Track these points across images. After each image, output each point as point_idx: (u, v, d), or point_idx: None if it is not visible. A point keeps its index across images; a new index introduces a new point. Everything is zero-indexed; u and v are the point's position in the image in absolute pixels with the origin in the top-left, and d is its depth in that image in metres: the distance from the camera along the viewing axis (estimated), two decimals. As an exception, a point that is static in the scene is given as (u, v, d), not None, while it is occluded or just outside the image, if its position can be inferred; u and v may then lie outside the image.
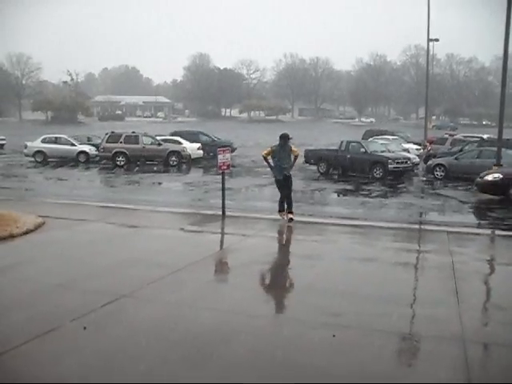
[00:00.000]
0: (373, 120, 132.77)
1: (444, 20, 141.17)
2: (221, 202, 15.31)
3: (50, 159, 35.69)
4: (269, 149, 14.95)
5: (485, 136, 43.57)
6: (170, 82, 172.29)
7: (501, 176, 20.24)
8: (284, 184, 14.73)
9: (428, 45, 50.22)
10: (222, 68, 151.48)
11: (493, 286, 9.59)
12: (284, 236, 13.31)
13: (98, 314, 7.15)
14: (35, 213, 13.94)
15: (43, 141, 36.71)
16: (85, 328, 6.57)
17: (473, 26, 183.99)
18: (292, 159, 14.95)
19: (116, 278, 8.85)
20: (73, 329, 6.62)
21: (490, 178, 20.51)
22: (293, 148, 14.94)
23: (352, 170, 28.42)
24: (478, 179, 20.87)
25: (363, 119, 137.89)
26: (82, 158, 35.39)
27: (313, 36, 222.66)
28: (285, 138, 14.75)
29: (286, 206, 14.73)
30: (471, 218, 16.96)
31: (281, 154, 14.62)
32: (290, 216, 14.44)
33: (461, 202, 20.44)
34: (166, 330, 6.69)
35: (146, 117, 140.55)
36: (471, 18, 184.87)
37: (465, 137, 44.29)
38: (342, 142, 29.90)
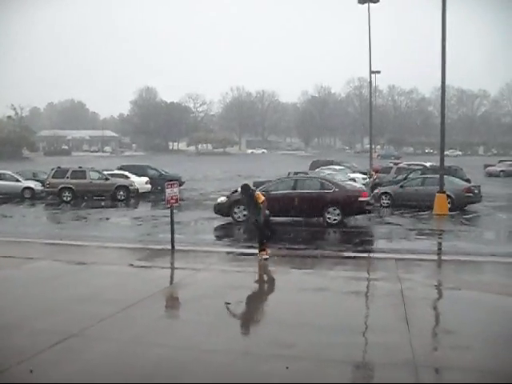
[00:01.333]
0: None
1: (385, 52, 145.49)
2: (170, 236, 15.19)
3: (-7, 196, 34.75)
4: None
5: (428, 164, 44.80)
6: (117, 116, 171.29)
7: (225, 199, 22.46)
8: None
9: (370, 77, 51.56)
10: (168, 102, 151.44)
11: (441, 311, 9.80)
12: (235, 269, 13.24)
13: (47, 354, 6.95)
14: (-22, 252, 13.54)
15: (-14, 177, 35.77)
16: (31, 371, 6.34)
17: (412, 59, 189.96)
18: (259, 208, 14.14)
19: (65, 316, 8.64)
20: (19, 372, 6.40)
21: (218, 200, 22.89)
22: (257, 195, 14.34)
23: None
24: (215, 203, 23.08)
25: (310, 150, 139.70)
26: (27, 194, 34.56)
27: (258, 69, 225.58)
28: (244, 190, 14.43)
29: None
30: (418, 245, 17.27)
31: (249, 205, 14.45)
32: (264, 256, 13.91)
33: (407, 229, 20.82)
34: (117, 368, 6.56)
35: (92, 151, 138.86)
36: (410, 50, 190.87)
37: (409, 165, 45.41)
38: (289, 174, 30.19)
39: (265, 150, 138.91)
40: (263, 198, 14.38)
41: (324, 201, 21.17)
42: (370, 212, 22.18)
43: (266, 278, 12.38)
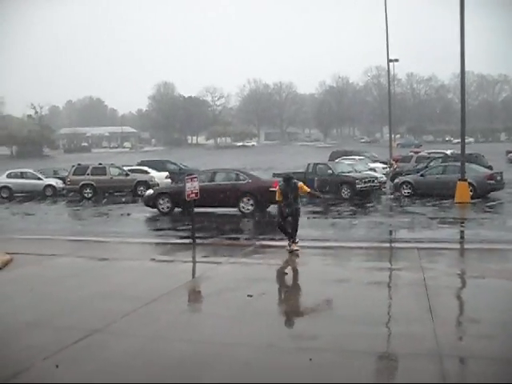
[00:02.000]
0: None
1: (403, 40, 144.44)
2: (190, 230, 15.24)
3: (16, 194, 35.10)
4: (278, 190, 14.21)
5: (448, 152, 44.45)
6: (136, 111, 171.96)
7: (152, 191, 24.36)
8: (291, 216, 13.98)
9: (388, 65, 51.16)
10: (186, 96, 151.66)
11: (465, 300, 9.70)
12: (256, 261, 13.22)
13: (71, 350, 7.01)
14: (2, 250, 13.68)
15: (8, 176, 36.11)
16: (57, 366, 6.41)
17: (431, 46, 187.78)
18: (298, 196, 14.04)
19: (88, 312, 8.70)
20: (45, 368, 6.46)
21: (146, 193, 24.85)
22: (300, 185, 14.05)
23: (320, 192, 28.49)
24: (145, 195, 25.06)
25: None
26: (48, 192, 34.89)
27: (275, 60, 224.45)
28: (287, 180, 14.04)
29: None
30: (440, 234, 17.13)
31: (288, 195, 13.90)
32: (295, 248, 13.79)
33: (429, 218, 20.65)
34: (141, 363, 6.58)
35: (112, 147, 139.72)
36: (428, 37, 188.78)
37: (429, 153, 45.09)
38: (309, 165, 30.10)
39: (255, 143, 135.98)
40: (308, 189, 14.41)
41: (238, 191, 22.27)
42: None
43: (287, 269, 12.35)
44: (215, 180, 23.28)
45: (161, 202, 23.10)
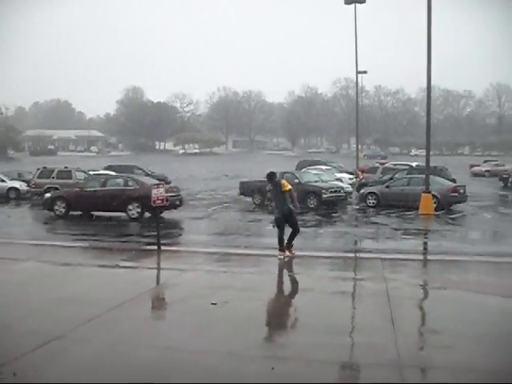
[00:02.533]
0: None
1: (372, 53, 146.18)
2: (156, 236, 15.16)
3: (-22, 197, 34.45)
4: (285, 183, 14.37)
5: (414, 164, 45.03)
6: (103, 115, 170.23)
7: (49, 195, 25.32)
8: (286, 220, 14.09)
9: (357, 77, 51.75)
10: (155, 101, 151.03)
11: (426, 311, 9.84)
12: (221, 269, 13.20)
13: (31, 357, 6.88)
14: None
15: (-29, 178, 35.50)
16: (14, 374, 6.27)
17: (399, 60, 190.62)
18: (287, 196, 14.14)
19: (51, 318, 8.56)
20: (2, 375, 6.31)
21: (45, 196, 25.74)
22: (283, 183, 14.25)
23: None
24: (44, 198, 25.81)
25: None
26: (12, 195, 34.36)
27: (245, 69, 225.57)
28: (271, 178, 14.30)
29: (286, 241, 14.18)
30: (404, 245, 17.36)
31: (275, 194, 14.15)
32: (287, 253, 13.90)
33: (393, 228, 20.92)
34: (103, 370, 6.51)
35: (79, 151, 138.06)
36: (397, 51, 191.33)
37: (395, 165, 45.61)
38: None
39: (197, 150, 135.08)
40: (289, 186, 14.40)
41: (126, 197, 23.23)
42: (170, 207, 22.83)
43: (251, 277, 12.35)
44: (106, 186, 24.32)
45: (57, 205, 23.98)
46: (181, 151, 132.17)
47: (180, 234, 20.30)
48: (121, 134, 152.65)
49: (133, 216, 22.96)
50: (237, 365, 6.69)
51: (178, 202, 24.38)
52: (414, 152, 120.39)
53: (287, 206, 13.95)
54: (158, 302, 10.41)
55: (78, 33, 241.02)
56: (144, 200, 21.65)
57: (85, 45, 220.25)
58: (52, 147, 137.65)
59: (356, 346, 7.51)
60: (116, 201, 23.01)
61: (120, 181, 24.80)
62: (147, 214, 22.96)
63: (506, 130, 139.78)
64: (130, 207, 23.06)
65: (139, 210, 22.87)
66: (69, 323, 8.16)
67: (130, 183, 24.00)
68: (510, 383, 6.28)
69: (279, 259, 13.62)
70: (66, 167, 35.21)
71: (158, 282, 12.00)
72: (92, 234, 19.22)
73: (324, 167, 43.25)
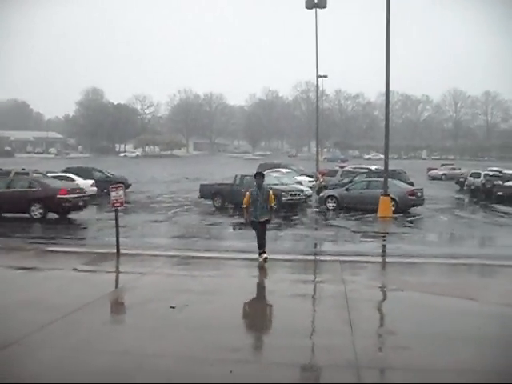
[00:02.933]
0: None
1: (332, 57, 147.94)
2: (115, 239, 15.00)
3: None
4: (247, 194, 14.10)
5: (373, 167, 45.57)
6: (62, 116, 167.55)
7: None
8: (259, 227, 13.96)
9: (317, 81, 52.35)
10: (115, 103, 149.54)
11: (383, 312, 9.97)
12: (181, 272, 13.14)
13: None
14: None
15: None
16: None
17: (359, 64, 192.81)
18: (269, 207, 14.02)
19: (5, 323, 8.40)
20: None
21: None
22: (270, 194, 14.02)
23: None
24: None
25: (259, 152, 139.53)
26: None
27: (207, 71, 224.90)
28: (260, 177, 14.08)
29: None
30: (363, 247, 17.56)
31: (257, 200, 13.79)
32: (265, 256, 13.75)
33: (352, 231, 21.13)
34: (59, 376, 6.43)
35: (37, 153, 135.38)
36: (357, 56, 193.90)
37: (354, 168, 46.10)
38: (236, 176, 30.21)
39: (139, 153, 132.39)
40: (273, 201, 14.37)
41: (29, 198, 23.83)
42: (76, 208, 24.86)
43: (211, 280, 12.32)
44: (10, 187, 24.85)
45: None
46: (127, 154, 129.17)
47: (140, 237, 20.10)
48: (80, 136, 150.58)
49: (35, 216, 23.51)
50: (195, 368, 6.68)
51: (81, 203, 25.14)
52: (367, 156, 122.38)
53: (265, 216, 13.92)
54: (117, 306, 10.31)
55: (35, 32, 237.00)
56: (46, 201, 23.56)
57: (42, 44, 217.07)
58: (9, 148, 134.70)
59: (314, 348, 7.57)
60: (19, 202, 23.70)
61: (24, 183, 25.49)
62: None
63: (461, 135, 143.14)
64: (33, 208, 23.64)
65: (41, 210, 23.60)
66: (24, 329, 8.02)
67: (32, 185, 24.80)
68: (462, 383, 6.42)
69: (260, 262, 13.62)
70: (23, 169, 34.50)
71: (116, 286, 11.88)
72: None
73: (284, 170, 43.42)
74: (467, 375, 6.59)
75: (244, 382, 6.29)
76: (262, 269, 13.37)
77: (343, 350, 7.27)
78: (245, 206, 14.02)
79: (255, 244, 14.15)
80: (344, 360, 6.92)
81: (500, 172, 45.11)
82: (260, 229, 13.96)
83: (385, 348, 7.70)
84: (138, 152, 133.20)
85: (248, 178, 29.85)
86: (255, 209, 13.80)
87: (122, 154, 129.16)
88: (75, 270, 12.88)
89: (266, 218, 14.03)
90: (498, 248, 18.44)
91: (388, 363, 7.03)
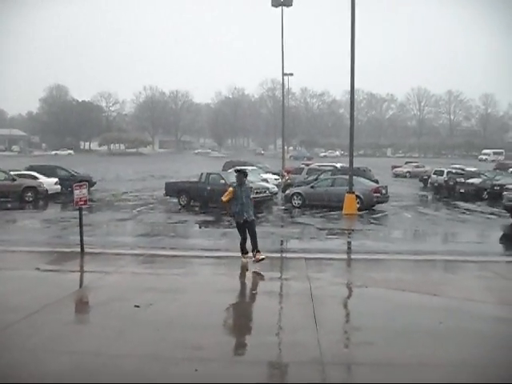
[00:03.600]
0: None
1: (298, 55, 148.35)
2: (79, 238, 14.83)
3: None
4: (230, 189, 13.73)
5: (338, 165, 45.92)
6: (26, 114, 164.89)
7: None
8: (246, 226, 13.65)
9: (283, 79, 52.49)
10: (80, 100, 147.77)
11: (348, 309, 10.08)
12: (146, 271, 13.06)
13: None
14: None
15: None
16: None
17: (325, 62, 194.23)
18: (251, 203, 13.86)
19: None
20: None
21: None
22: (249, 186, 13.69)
23: (212, 202, 28.36)
24: None
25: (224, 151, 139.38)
26: None
27: (172, 69, 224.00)
28: (241, 177, 13.74)
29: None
30: (328, 244, 17.68)
31: (242, 195, 13.51)
32: (261, 256, 13.37)
33: (318, 228, 21.24)
34: (21, 379, 6.32)
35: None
36: (323, 54, 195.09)
37: (320, 166, 46.39)
38: (202, 174, 30.13)
39: (71, 151, 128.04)
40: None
41: None
42: None
43: (176, 279, 12.27)
44: None
45: None
46: (58, 152, 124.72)
47: (104, 236, 19.89)
48: (44, 134, 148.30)
49: None
50: (160, 367, 6.64)
51: None
52: (322, 154, 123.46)
53: (251, 215, 13.66)
54: (81, 306, 10.17)
55: (1, 27, 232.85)
56: None
57: (4, 41, 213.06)
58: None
59: (280, 345, 7.60)
60: None
61: None
62: None
63: (425, 133, 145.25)
64: None
65: None
66: (-15, 329, 7.88)
67: None
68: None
69: (243, 262, 13.46)
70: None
71: (80, 285, 11.73)
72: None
73: (250, 168, 43.44)
74: (429, 368, 6.71)
75: (209, 381, 6.29)
76: (228, 266, 13.38)
77: (308, 346, 7.31)
78: (225, 199, 13.64)
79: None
80: (309, 356, 6.96)
81: (462, 170, 45.98)
82: (250, 228, 13.66)
83: (350, 344, 7.79)
84: (71, 151, 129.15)
85: (214, 175, 29.84)
86: (242, 207, 13.46)
87: (53, 152, 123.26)
88: (38, 269, 12.69)
89: (253, 218, 13.81)
90: (460, 244, 18.79)
91: (352, 359, 7.11)
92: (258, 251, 13.45)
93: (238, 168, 14.00)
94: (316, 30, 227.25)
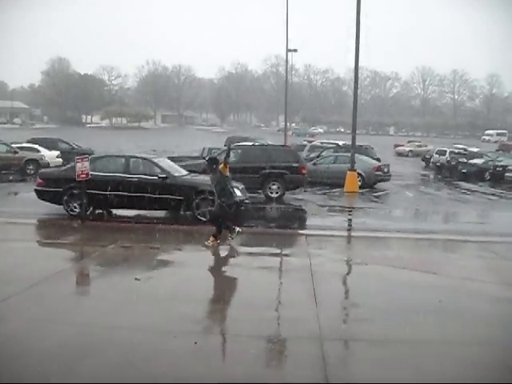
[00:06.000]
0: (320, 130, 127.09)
1: (303, 31, 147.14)
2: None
3: None
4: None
5: (340, 142, 45.71)
6: (28, 86, 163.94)
7: None
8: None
9: (287, 55, 52.00)
10: (82, 73, 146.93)
11: (347, 285, 10.13)
12: (142, 245, 12.98)
13: None
14: None
15: None
16: None
17: (329, 39, 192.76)
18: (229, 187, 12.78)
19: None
20: None
21: None
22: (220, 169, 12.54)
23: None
24: None
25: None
26: None
27: (175, 43, 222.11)
28: (211, 163, 12.86)
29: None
30: (329, 221, 17.69)
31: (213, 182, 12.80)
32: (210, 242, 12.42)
33: (319, 205, 21.24)
34: (21, 348, 6.37)
35: (0, 123, 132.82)
36: (327, 30, 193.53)
37: (322, 143, 46.18)
38: (204, 149, 30.08)
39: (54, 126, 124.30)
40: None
41: None
42: None
43: (177, 253, 12.30)
44: None
45: None
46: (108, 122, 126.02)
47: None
48: (46, 107, 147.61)
49: None
50: (160, 340, 6.69)
51: None
52: (318, 130, 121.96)
53: (229, 201, 12.71)
54: (82, 278, 10.24)
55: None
56: None
57: (7, 12, 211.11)
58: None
59: (278, 320, 7.66)
60: None
61: None
62: None
63: (429, 112, 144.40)
64: None
65: None
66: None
67: None
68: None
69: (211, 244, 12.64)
70: (-15, 139, 33.87)
71: (82, 257, 11.79)
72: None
73: (250, 144, 43.21)
74: (427, 345, 6.75)
75: (208, 353, 6.34)
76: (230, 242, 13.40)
77: (307, 322, 7.36)
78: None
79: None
80: (308, 332, 7.01)
81: (465, 150, 45.73)
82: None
83: (348, 320, 7.84)
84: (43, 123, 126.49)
85: (215, 150, 29.76)
86: (232, 190, 12.95)
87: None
88: (39, 242, 12.73)
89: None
90: (460, 224, 18.81)
91: (350, 335, 7.16)
92: (214, 235, 12.56)
93: (209, 157, 13.52)
94: (321, 7, 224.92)
